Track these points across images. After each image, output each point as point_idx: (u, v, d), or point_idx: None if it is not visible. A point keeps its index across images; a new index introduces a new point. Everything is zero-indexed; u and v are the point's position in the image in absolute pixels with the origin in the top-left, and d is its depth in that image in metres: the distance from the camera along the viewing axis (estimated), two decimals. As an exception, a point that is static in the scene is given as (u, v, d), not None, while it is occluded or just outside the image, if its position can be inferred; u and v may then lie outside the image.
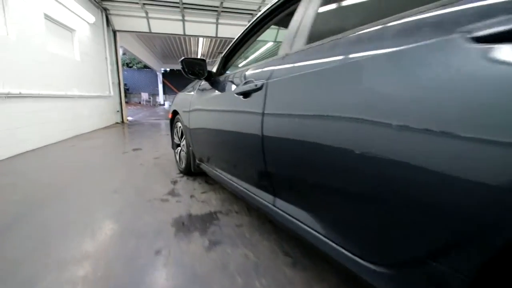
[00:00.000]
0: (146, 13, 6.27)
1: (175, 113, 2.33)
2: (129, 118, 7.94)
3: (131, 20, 6.48)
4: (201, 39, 10.16)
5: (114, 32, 6.63)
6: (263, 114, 0.97)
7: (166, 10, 6.16)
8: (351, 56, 0.67)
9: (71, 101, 4.50)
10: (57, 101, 4.07)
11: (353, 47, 0.69)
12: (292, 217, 0.93)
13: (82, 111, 4.91)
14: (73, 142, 3.96)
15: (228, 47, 1.58)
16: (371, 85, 0.60)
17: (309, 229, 0.86)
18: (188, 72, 1.55)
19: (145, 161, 2.76)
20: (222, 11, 6.14)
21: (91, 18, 5.34)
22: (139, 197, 1.76)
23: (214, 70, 1.68)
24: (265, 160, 1.00)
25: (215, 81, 1.61)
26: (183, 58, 1.52)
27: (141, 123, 6.87)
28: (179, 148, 2.34)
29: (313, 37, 0.89)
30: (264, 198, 1.09)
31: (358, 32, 0.69)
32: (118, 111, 6.72)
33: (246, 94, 1.12)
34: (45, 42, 3.80)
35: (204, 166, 1.79)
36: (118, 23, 6.49)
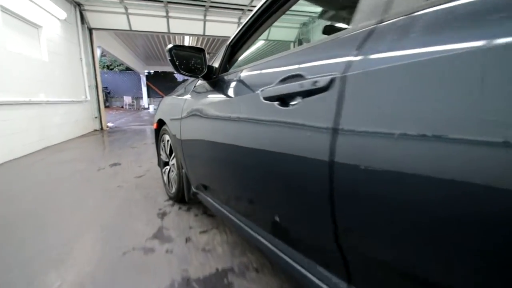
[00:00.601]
0: (126, 8, 5.67)
1: (160, 122, 1.82)
2: (110, 124, 7.27)
3: (108, 17, 5.86)
4: (187, 38, 9.58)
5: (90, 30, 5.98)
6: (335, 131, 0.50)
7: (148, 5, 5.59)
8: None
9: (38, 108, 3.87)
10: (20, 108, 3.45)
11: None
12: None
13: (53, 119, 4.27)
14: (42, 156, 3.35)
15: (237, 31, 1.10)
16: None
17: None
18: (180, 66, 1.07)
19: (125, 181, 2.23)
20: (210, 6, 5.63)
21: (62, 14, 4.72)
22: (111, 246, 1.25)
23: (216, 65, 1.20)
24: (335, 212, 0.53)
25: (219, 81, 1.13)
26: (172, 45, 1.04)
27: (123, 130, 6.24)
28: (168, 167, 1.83)
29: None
30: (325, 280, 0.62)
31: None
32: (96, 117, 6.06)
33: (285, 99, 0.66)
34: (2, 40, 3.18)
35: (204, 198, 1.30)
36: (94, 20, 5.85)
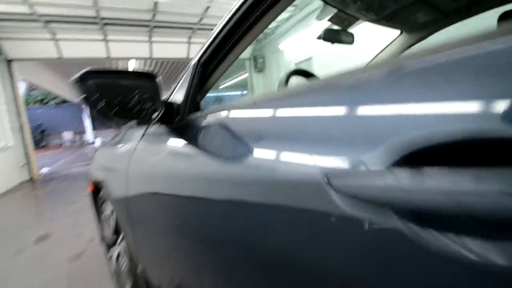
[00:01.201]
0: (53, 34, 4.84)
1: (97, 186, 1.23)
2: (44, 170, 6.06)
3: (32, 45, 4.95)
4: (132, 62, 8.78)
5: (9, 61, 4.96)
6: None
7: (80, 28, 4.84)
8: None
9: None
10: None
11: None
12: None
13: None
14: None
15: (210, 39, 0.63)
16: None
17: None
18: (107, 110, 0.54)
19: (55, 270, 1.52)
20: (155, 26, 5.08)
21: (-36, 43, 3.76)
22: None
23: (179, 98, 0.70)
24: None
25: (188, 127, 0.63)
26: (87, 70, 0.52)
27: (61, 175, 5.18)
28: (116, 249, 1.22)
29: None
30: None
31: None
32: (23, 165, 4.94)
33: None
34: None
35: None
36: (14, 49, 4.86)
